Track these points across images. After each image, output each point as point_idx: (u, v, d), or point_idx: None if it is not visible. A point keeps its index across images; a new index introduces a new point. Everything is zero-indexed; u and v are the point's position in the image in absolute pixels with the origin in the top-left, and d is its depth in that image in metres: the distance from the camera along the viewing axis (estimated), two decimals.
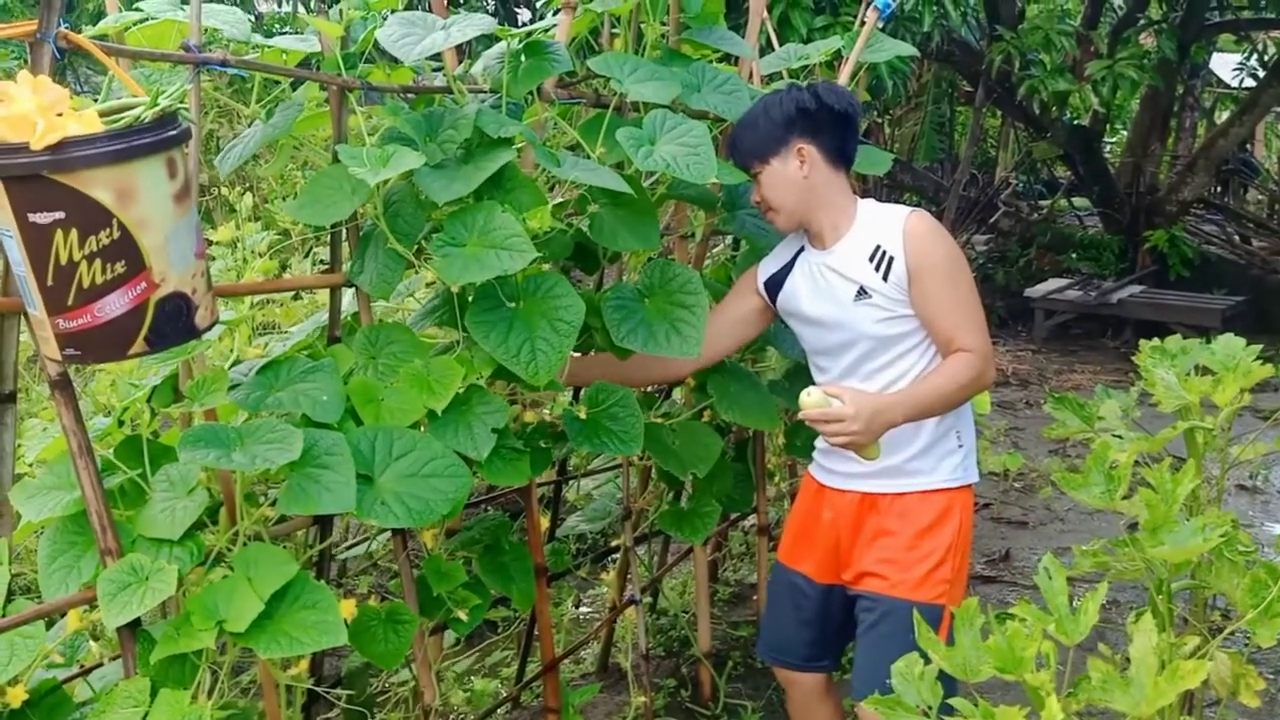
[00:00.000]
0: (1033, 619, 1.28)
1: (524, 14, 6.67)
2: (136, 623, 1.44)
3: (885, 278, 1.93)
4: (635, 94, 1.97)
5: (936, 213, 8.29)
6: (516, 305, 1.81)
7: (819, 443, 2.14)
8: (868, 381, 2.00)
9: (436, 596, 1.90)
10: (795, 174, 1.96)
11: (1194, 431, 2.04)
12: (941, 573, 1.97)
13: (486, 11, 6.34)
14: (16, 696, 1.47)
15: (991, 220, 8.83)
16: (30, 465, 1.81)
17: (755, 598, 3.14)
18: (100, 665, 1.73)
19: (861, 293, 1.96)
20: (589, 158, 1.98)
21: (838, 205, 2.00)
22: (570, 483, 3.27)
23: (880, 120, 9.43)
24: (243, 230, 3.97)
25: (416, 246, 1.84)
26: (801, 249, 2.09)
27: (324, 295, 3.47)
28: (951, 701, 1.26)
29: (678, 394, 2.70)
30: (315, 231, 5.10)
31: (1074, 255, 8.36)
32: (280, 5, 7.92)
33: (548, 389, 2.00)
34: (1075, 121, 8.52)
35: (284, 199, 5.79)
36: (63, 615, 1.58)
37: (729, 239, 2.90)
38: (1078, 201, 9.95)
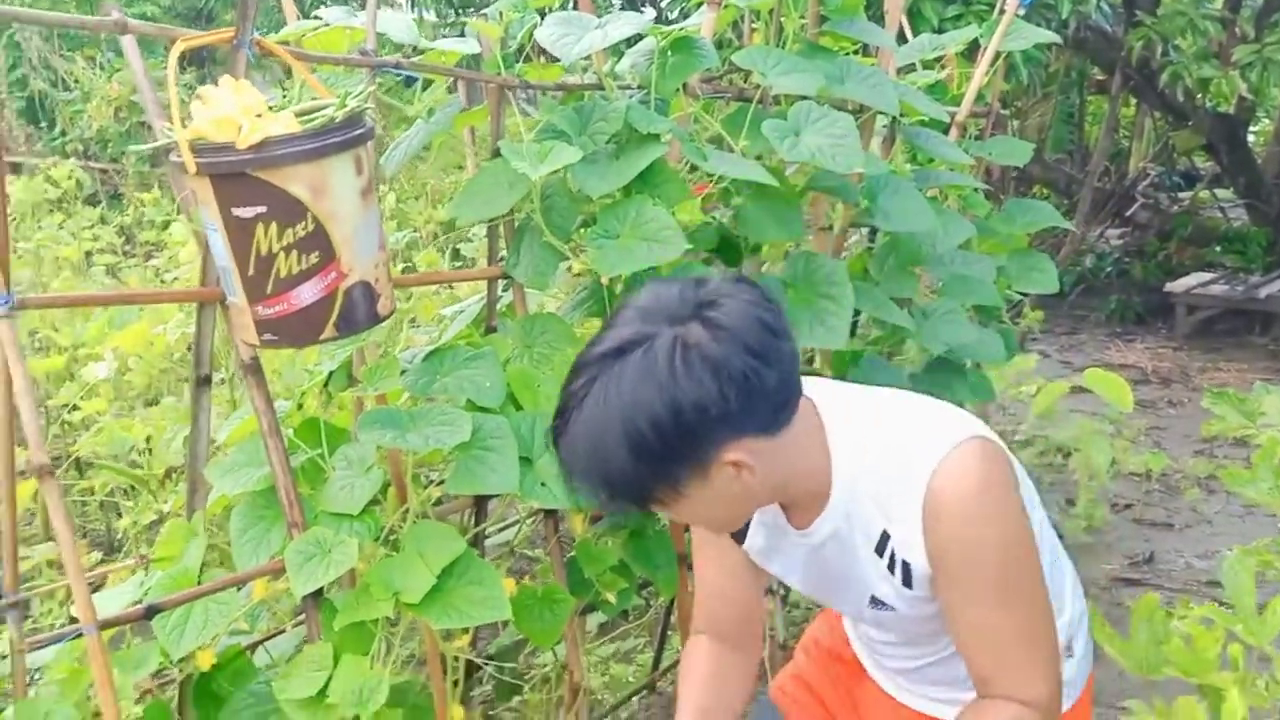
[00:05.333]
0: (1217, 619, 1.24)
1: (649, 12, 6.74)
2: (319, 592, 1.54)
3: (907, 583, 1.23)
4: (779, 86, 1.99)
5: (1069, 207, 8.03)
6: None
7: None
8: (903, 649, 1.42)
9: (585, 579, 1.96)
10: (726, 488, 1.14)
11: None
12: None
13: (611, 9, 6.43)
14: (206, 660, 1.58)
15: (1128, 213, 8.49)
16: (216, 447, 1.94)
17: None
18: (275, 635, 1.84)
19: (876, 603, 1.29)
20: (732, 151, 2.01)
21: (801, 468, 1.20)
22: None
23: (1006, 112, 9.18)
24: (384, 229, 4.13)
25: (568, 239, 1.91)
26: None
27: (459, 290, 3.61)
28: (1129, 703, 1.24)
29: None
30: (444, 230, 5.26)
31: (1217, 248, 7.98)
32: (410, 9, 8.19)
33: None
34: (1219, 109, 8.12)
35: (416, 199, 5.99)
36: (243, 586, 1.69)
37: (865, 231, 2.89)
38: (1220, 193, 9.49)
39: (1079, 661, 1.37)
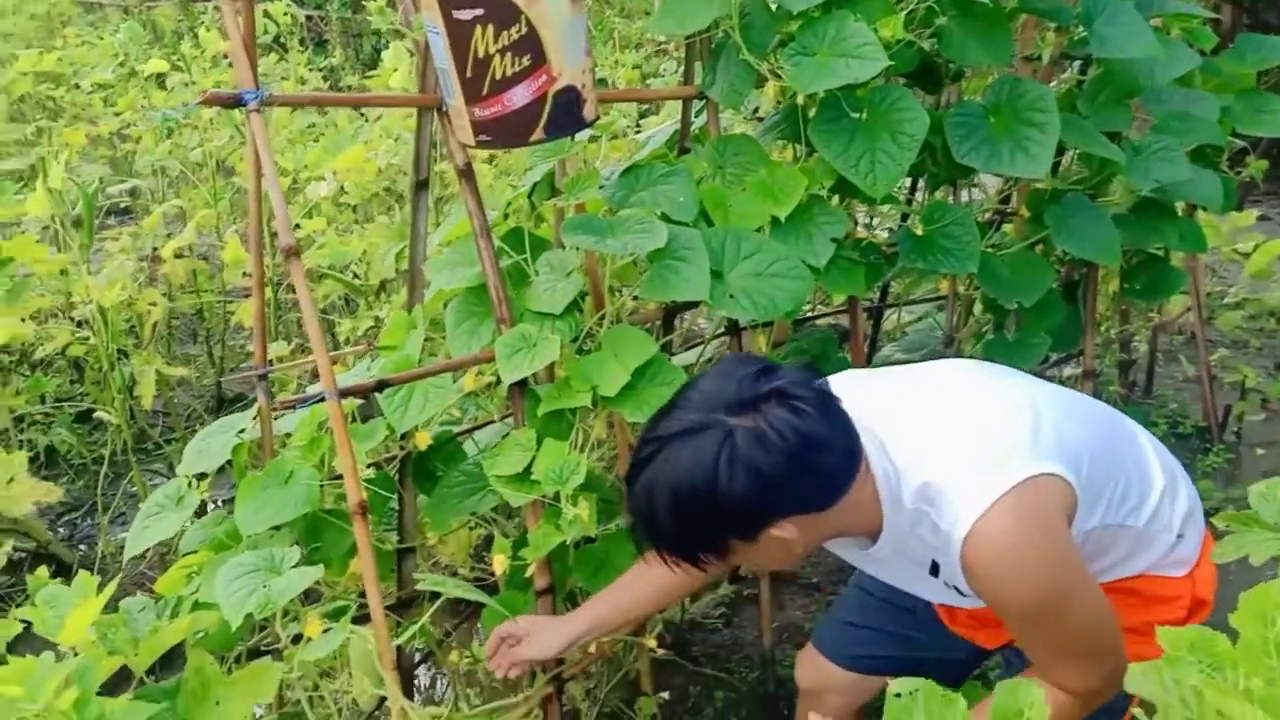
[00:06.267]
0: None
1: None
2: (524, 383, 1.67)
3: (963, 594, 1.32)
4: None
5: None
6: (860, 117, 1.84)
7: None
8: None
9: None
10: (773, 550, 1.25)
11: None
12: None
13: None
14: (423, 440, 1.75)
15: None
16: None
17: None
18: (483, 425, 2.01)
19: (944, 604, 1.47)
20: None
21: (849, 524, 1.30)
22: (886, 313, 3.28)
23: None
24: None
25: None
26: None
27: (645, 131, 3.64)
28: None
29: (1008, 227, 2.63)
30: (610, 67, 5.28)
31: None
32: None
33: (884, 203, 2.04)
34: None
35: (605, 44, 5.99)
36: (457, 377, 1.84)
37: (1075, 67, 2.73)
38: None
39: (1192, 539, 1.42)
